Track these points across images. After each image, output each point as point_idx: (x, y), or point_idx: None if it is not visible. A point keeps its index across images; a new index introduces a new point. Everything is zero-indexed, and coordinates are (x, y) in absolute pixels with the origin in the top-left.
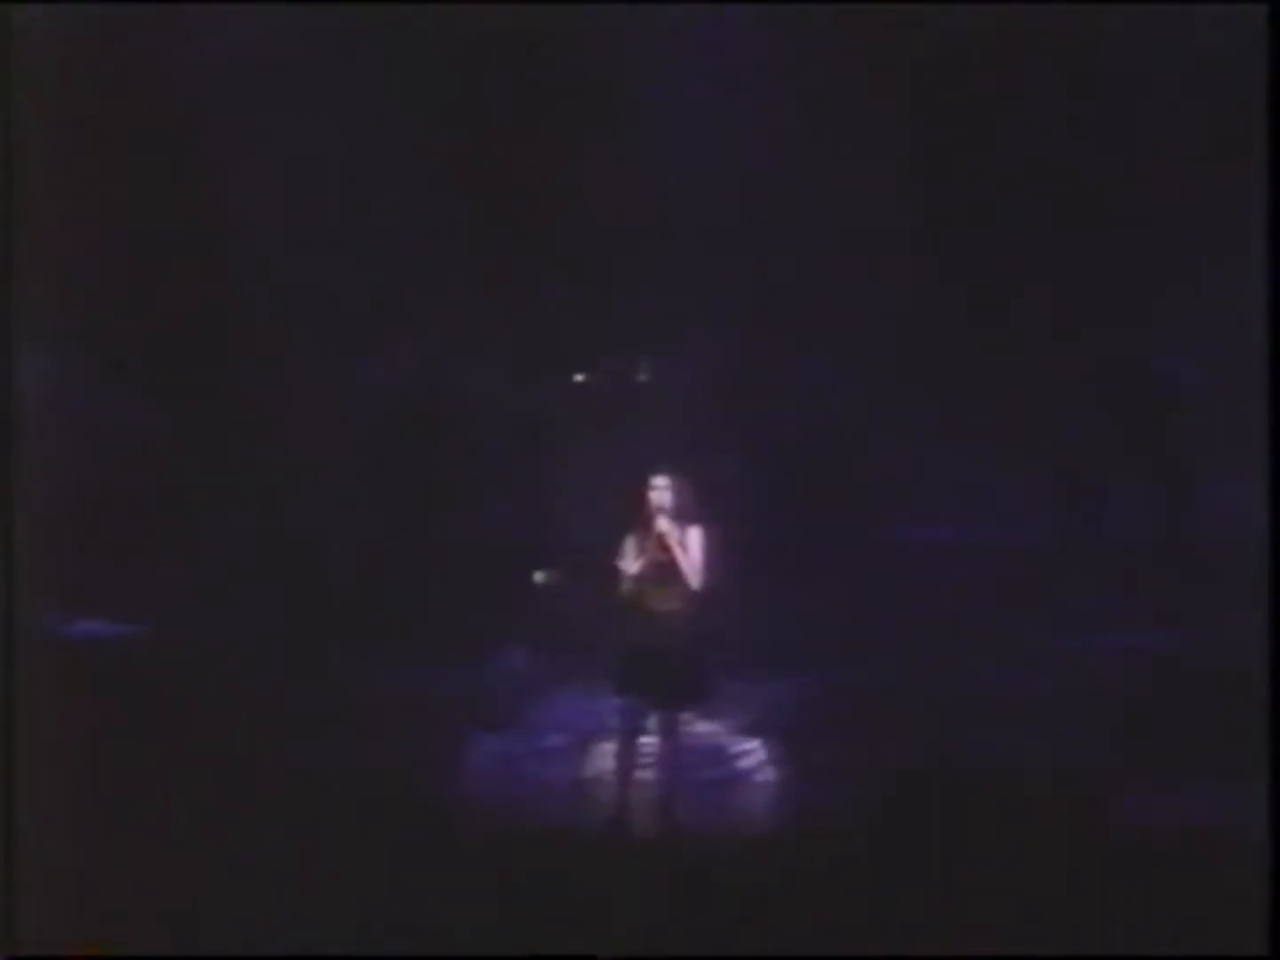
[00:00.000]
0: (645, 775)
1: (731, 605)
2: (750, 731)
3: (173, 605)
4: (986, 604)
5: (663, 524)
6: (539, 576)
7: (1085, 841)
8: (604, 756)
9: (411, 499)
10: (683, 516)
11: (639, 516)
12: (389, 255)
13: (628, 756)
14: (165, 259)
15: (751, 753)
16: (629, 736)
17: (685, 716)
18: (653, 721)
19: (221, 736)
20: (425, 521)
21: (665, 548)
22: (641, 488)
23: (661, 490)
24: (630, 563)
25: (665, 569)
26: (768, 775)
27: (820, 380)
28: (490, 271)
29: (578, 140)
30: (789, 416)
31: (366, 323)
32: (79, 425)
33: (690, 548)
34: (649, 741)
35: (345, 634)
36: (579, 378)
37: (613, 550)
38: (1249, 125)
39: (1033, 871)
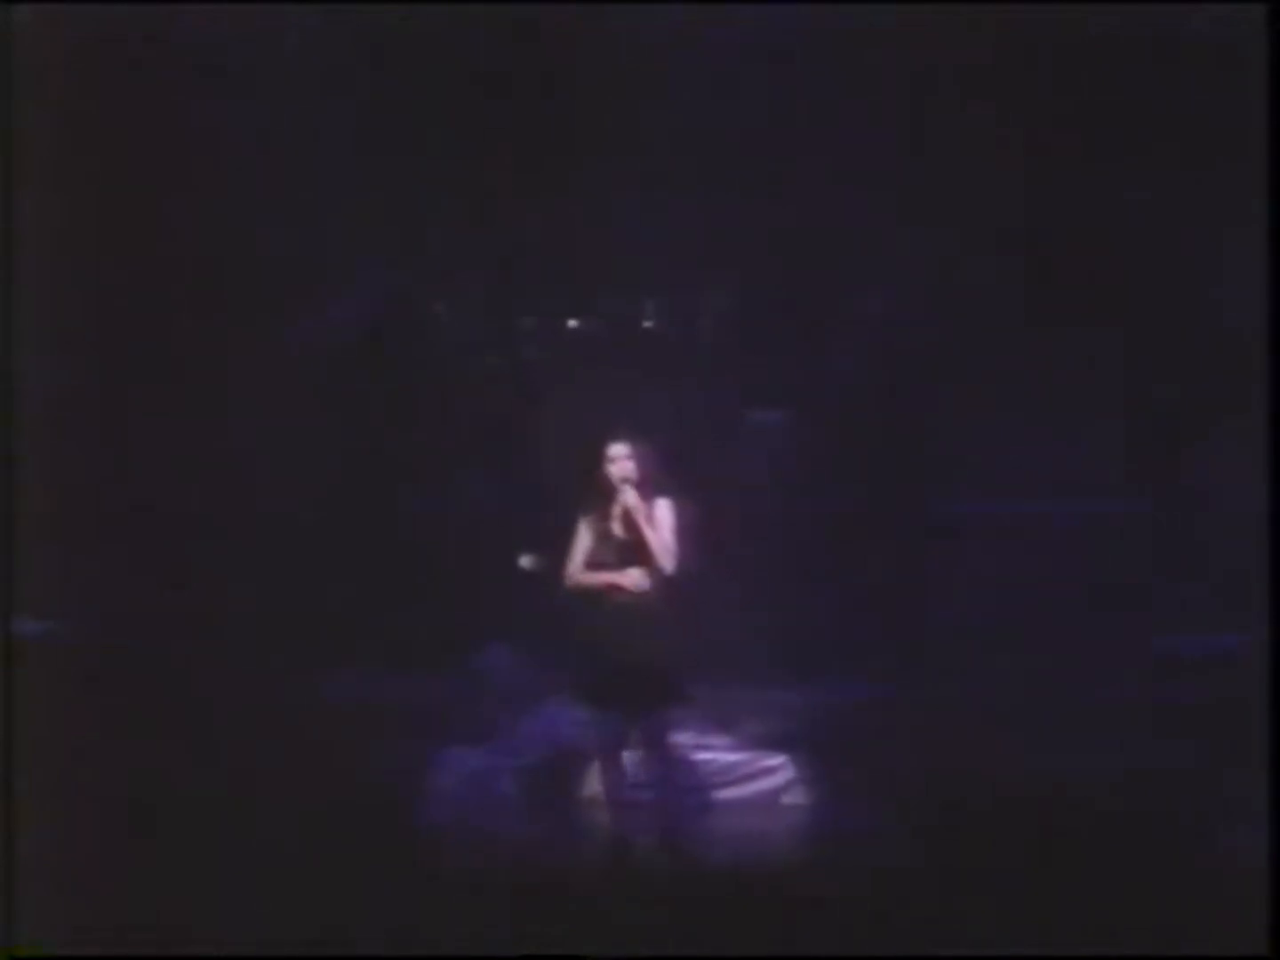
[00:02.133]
0: (645, 797)
1: (755, 596)
2: (773, 745)
3: (106, 599)
4: (1056, 597)
5: (630, 498)
6: (525, 562)
7: (1167, 875)
8: (594, 774)
9: (373, 470)
10: (647, 489)
11: (594, 493)
12: (343, 183)
13: (613, 778)
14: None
15: (775, 770)
16: (610, 754)
17: (673, 725)
18: (635, 735)
19: (153, 746)
20: (388, 496)
21: (632, 526)
22: (597, 459)
23: (622, 461)
24: (585, 548)
25: (630, 551)
26: (794, 796)
27: (864, 328)
28: (467, 197)
29: (572, 47)
30: (823, 374)
31: (317, 263)
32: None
33: (660, 525)
34: (638, 758)
35: (295, 632)
36: (572, 323)
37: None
38: (1249, 125)
39: (1106, 907)
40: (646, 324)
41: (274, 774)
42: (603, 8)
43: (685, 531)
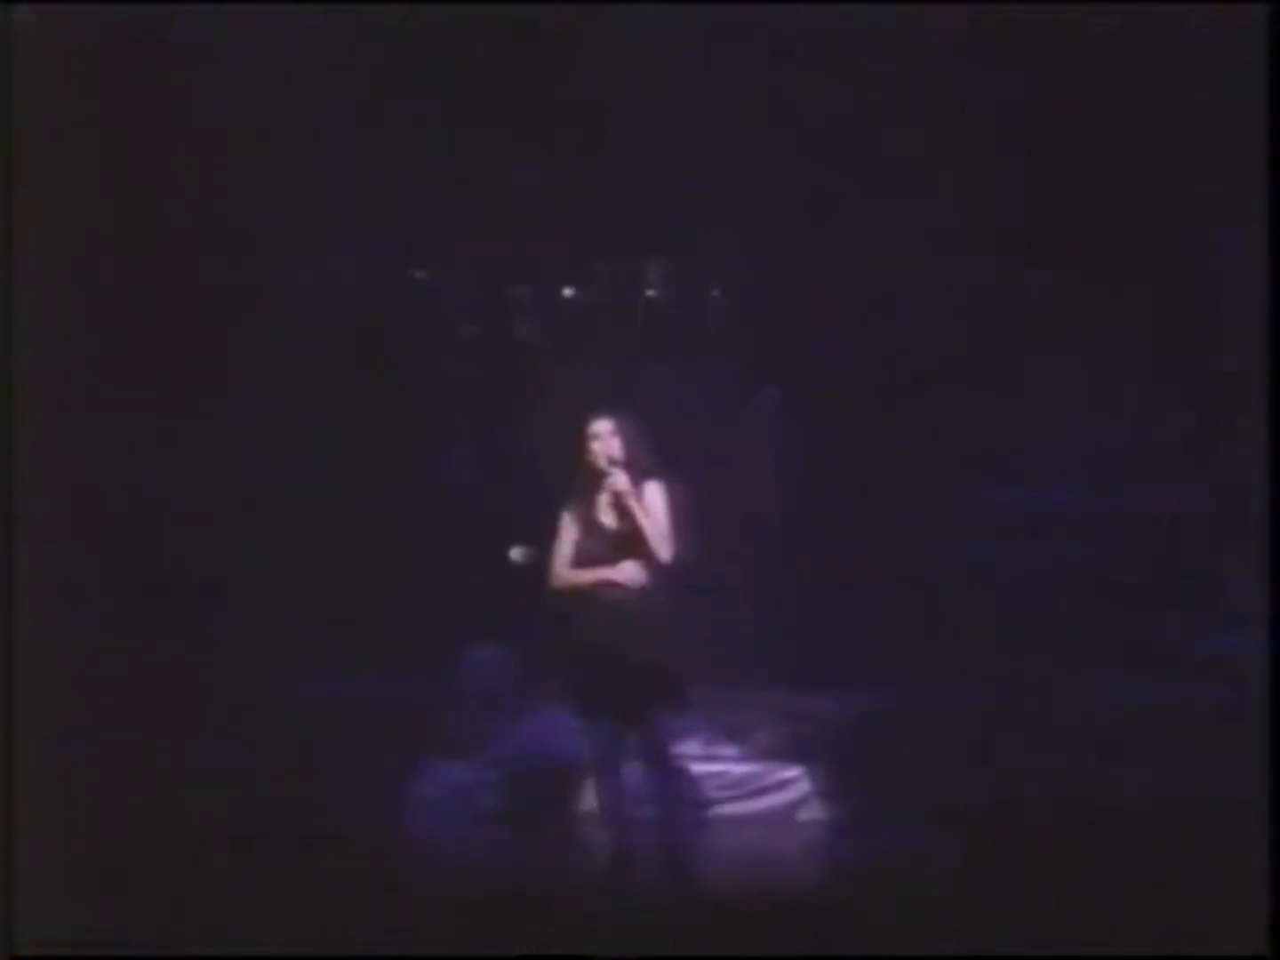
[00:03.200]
0: (644, 813)
1: (765, 590)
2: (788, 755)
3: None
4: (1105, 592)
5: (620, 481)
6: (515, 554)
7: (1234, 898)
8: (588, 790)
9: (348, 452)
10: (635, 470)
11: (579, 478)
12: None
13: (610, 792)
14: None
15: (790, 783)
16: (606, 766)
17: (675, 733)
18: (634, 744)
19: (108, 751)
20: (364, 481)
21: (624, 512)
22: (580, 438)
23: (606, 438)
24: (571, 542)
25: (622, 542)
26: (812, 812)
27: (881, 301)
28: (452, 154)
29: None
30: (837, 348)
31: (296, 223)
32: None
33: (652, 509)
34: (638, 771)
35: (261, 630)
36: (568, 291)
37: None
38: (1249, 126)
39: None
40: (650, 293)
41: (231, 781)
42: None
43: (683, 518)
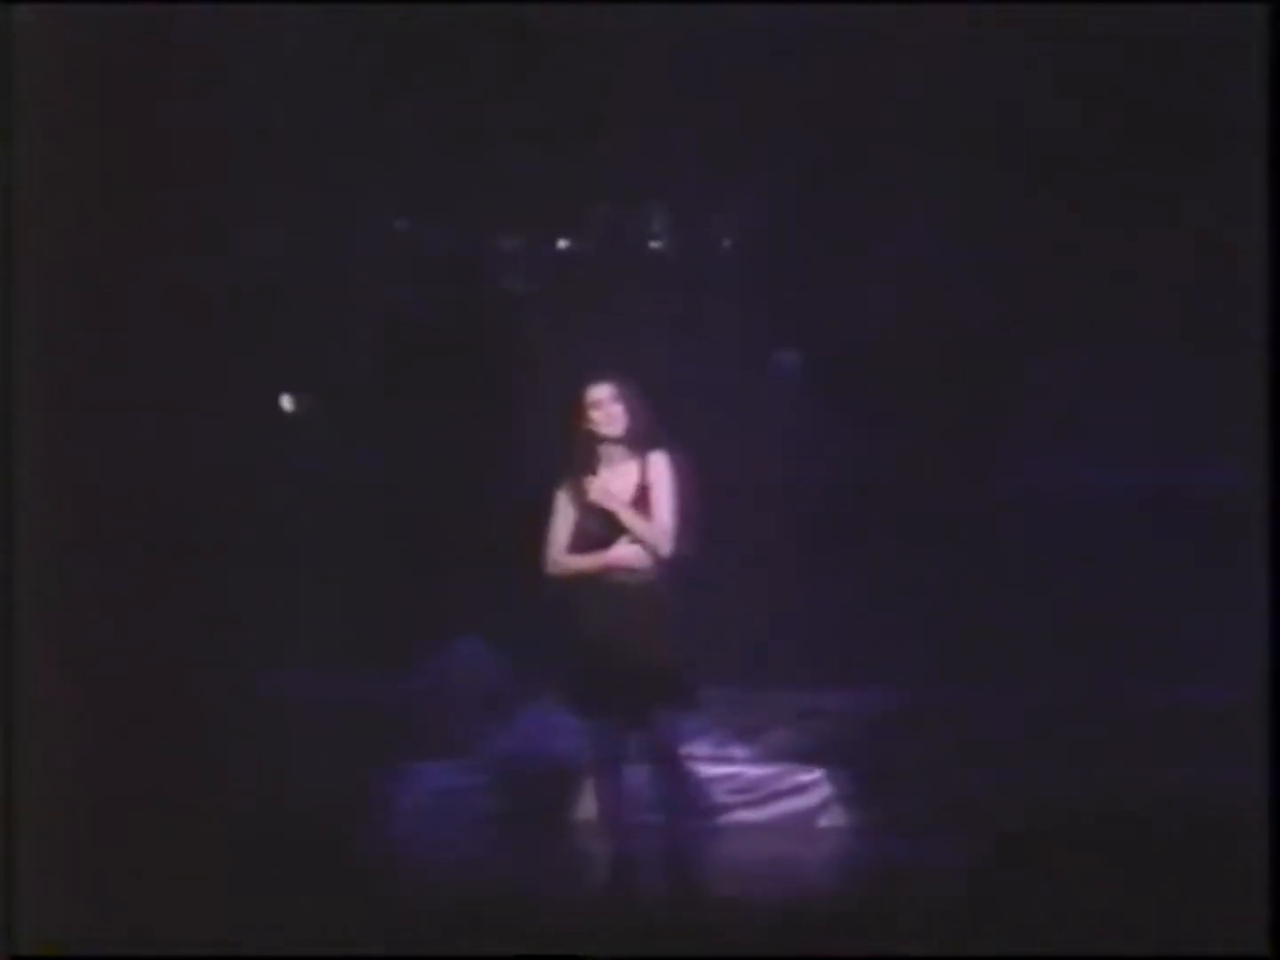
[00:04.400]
0: (649, 820)
1: (782, 577)
2: (807, 757)
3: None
4: (1144, 585)
5: (616, 452)
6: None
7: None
8: (588, 795)
9: (319, 423)
10: (640, 442)
11: (576, 452)
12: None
13: (611, 798)
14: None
15: (809, 787)
16: (607, 769)
17: (684, 733)
18: (638, 745)
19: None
20: (337, 457)
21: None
22: (577, 405)
23: (607, 405)
24: (567, 524)
25: (619, 524)
26: (833, 818)
27: (909, 254)
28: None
29: None
30: (862, 307)
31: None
32: None
33: (657, 488)
34: (642, 773)
35: (233, 622)
36: (563, 243)
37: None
38: (1249, 126)
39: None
40: (653, 243)
41: (220, 783)
42: None
43: (692, 496)
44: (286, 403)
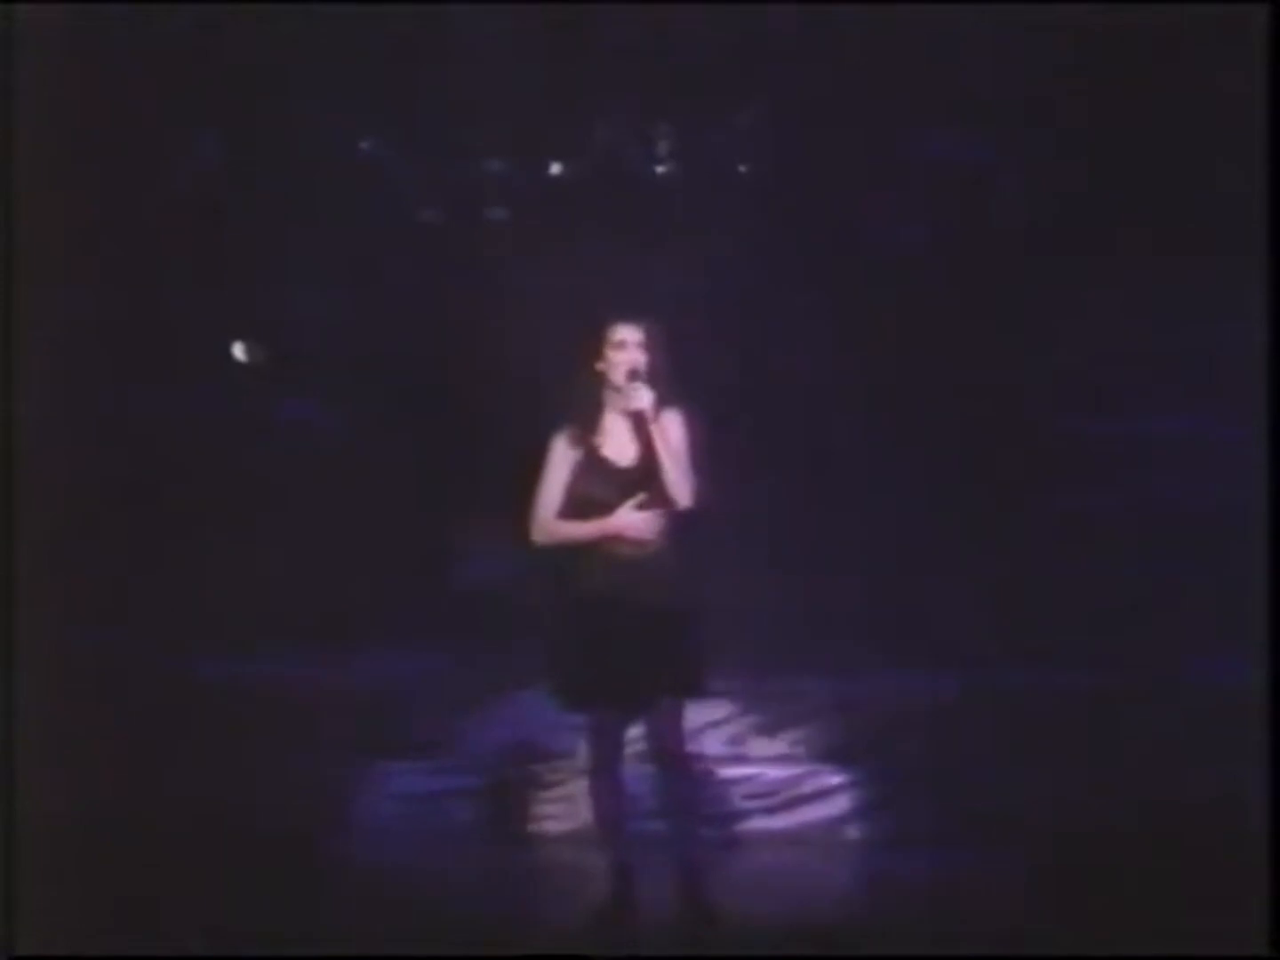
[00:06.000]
0: (654, 828)
1: (808, 548)
2: (834, 757)
3: None
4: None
5: (643, 399)
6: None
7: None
8: (581, 800)
9: (278, 374)
10: (659, 394)
11: (580, 398)
12: None
13: (609, 803)
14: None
15: (836, 791)
16: (604, 769)
17: (693, 728)
18: (639, 742)
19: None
20: (302, 413)
21: (645, 444)
22: (590, 349)
23: (633, 349)
24: (562, 481)
25: (633, 482)
26: (863, 828)
27: (946, 179)
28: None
29: None
30: (892, 236)
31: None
32: None
33: (672, 444)
34: (645, 775)
35: (165, 605)
36: (554, 166)
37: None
38: (1249, 126)
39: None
40: (659, 168)
41: (121, 775)
42: None
43: (706, 455)
44: (239, 351)
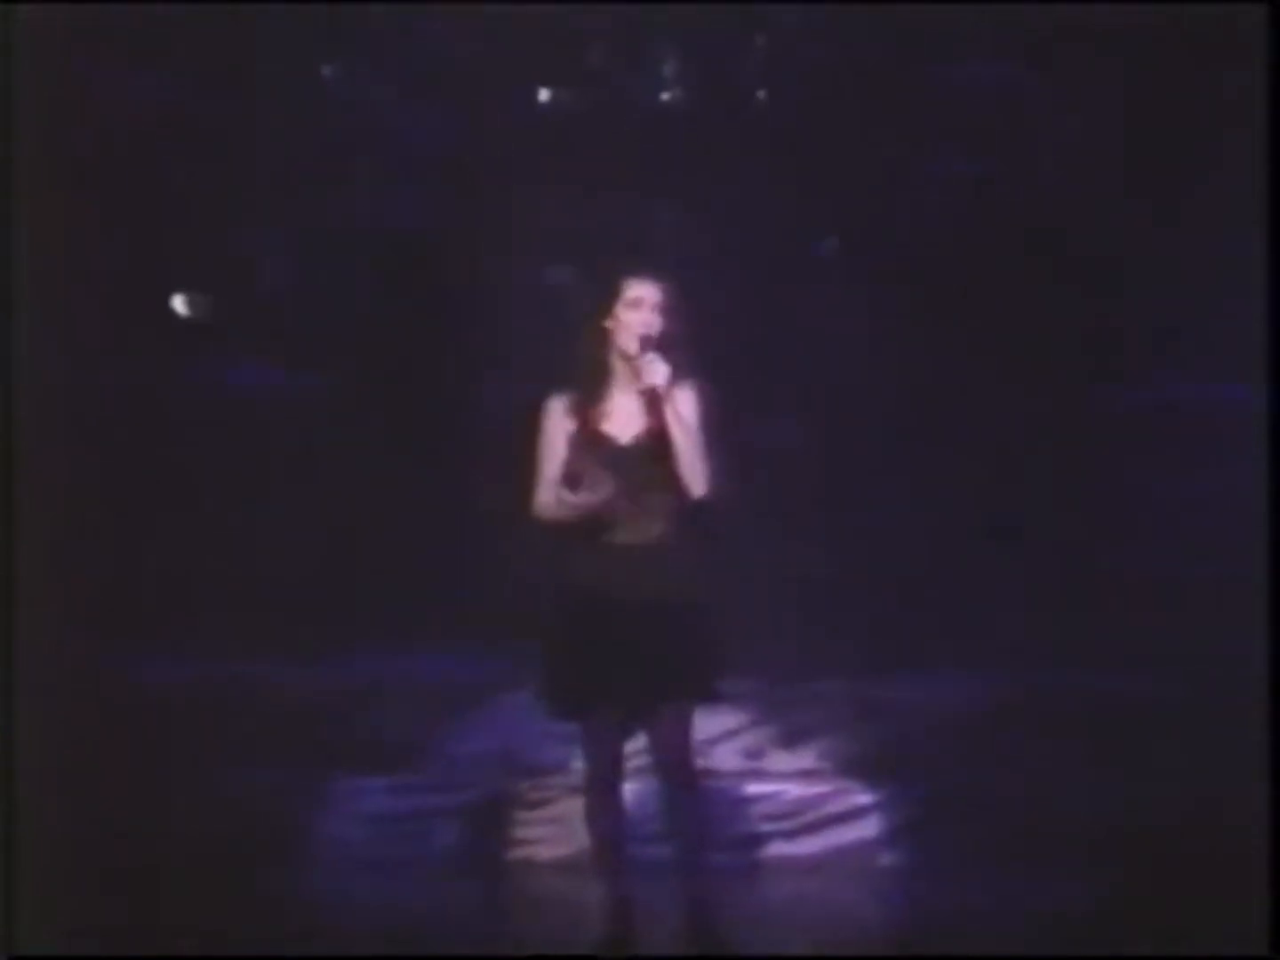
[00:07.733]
0: (657, 854)
1: (832, 537)
2: (865, 772)
3: None
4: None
5: (658, 374)
6: (182, 305)
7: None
8: (575, 821)
9: (234, 334)
10: (674, 364)
11: (584, 363)
12: None
13: (608, 824)
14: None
15: (867, 811)
16: (602, 785)
17: (704, 739)
18: (643, 754)
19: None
20: (269, 380)
21: (657, 420)
22: (598, 307)
23: (648, 311)
24: (559, 457)
25: (642, 462)
26: (898, 853)
27: (1000, 109)
28: None
29: None
30: (931, 183)
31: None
32: None
33: (688, 425)
34: (649, 791)
35: (109, 607)
36: (545, 93)
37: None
38: (1249, 126)
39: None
40: (664, 95)
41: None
42: None
43: (721, 433)
44: (180, 305)
